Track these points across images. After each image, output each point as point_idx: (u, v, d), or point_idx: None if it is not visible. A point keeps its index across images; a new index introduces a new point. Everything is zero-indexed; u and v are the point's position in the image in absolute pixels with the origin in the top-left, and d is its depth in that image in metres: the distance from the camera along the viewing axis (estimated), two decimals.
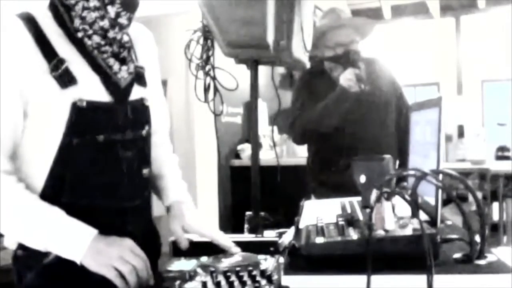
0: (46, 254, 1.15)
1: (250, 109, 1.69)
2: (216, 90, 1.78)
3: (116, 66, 1.22)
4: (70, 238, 1.11)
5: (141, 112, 1.28)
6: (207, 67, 1.76)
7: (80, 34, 1.18)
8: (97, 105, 1.17)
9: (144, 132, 1.29)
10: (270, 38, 1.54)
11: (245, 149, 4.58)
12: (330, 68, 2.51)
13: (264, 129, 4.48)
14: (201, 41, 1.77)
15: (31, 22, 1.14)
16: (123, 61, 1.24)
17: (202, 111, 2.11)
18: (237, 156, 4.68)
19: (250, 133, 1.68)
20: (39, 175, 1.15)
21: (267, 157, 4.11)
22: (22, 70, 1.12)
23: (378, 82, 2.49)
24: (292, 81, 5.38)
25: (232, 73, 1.76)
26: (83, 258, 1.10)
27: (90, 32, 1.18)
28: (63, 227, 1.12)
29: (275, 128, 4.45)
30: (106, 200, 1.20)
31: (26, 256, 1.17)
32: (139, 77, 1.29)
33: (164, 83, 4.94)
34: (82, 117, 1.15)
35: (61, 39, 1.17)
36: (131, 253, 1.11)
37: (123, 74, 1.23)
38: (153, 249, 1.33)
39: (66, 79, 1.14)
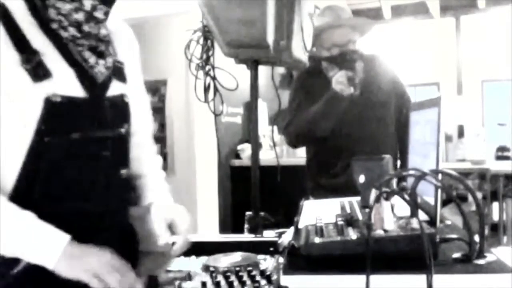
0: (16, 263, 1.07)
1: (250, 109, 1.69)
2: (216, 90, 1.78)
3: (92, 59, 1.15)
4: (42, 244, 1.05)
5: (120, 109, 1.21)
6: (207, 67, 1.76)
7: (54, 25, 1.11)
8: (72, 101, 1.11)
9: (123, 130, 1.22)
10: (270, 38, 1.54)
11: (245, 149, 4.58)
12: (326, 68, 2.44)
13: (264, 129, 4.49)
14: (201, 41, 1.77)
15: (1, 11, 1.07)
16: (100, 55, 1.17)
17: (202, 111, 2.11)
18: (237, 156, 4.68)
19: (250, 133, 1.68)
20: (9, 174, 1.07)
21: (267, 157, 4.11)
22: None
23: (377, 80, 2.42)
24: (292, 81, 5.38)
25: (232, 73, 1.76)
26: (56, 264, 1.03)
27: (66, 23, 1.11)
28: (34, 232, 1.05)
29: (275, 128, 4.44)
30: (80, 203, 1.13)
31: None
32: (118, 72, 1.22)
33: (164, 83, 4.94)
34: (56, 113, 1.08)
35: (35, 30, 1.10)
36: (110, 267, 1.05)
37: (100, 68, 1.17)
38: (131, 253, 1.23)
39: (39, 72, 1.07)
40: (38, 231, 1.05)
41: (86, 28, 1.13)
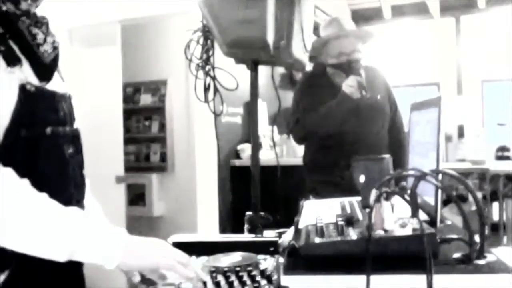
0: (0, 271, 1.00)
1: (250, 109, 1.69)
2: (216, 90, 1.78)
3: (40, 36, 1.04)
4: (103, 242, 0.97)
5: (71, 108, 1.15)
6: (207, 67, 1.76)
7: None
8: (43, 92, 1.03)
9: (77, 127, 1.16)
10: (270, 38, 1.54)
11: (245, 149, 4.58)
12: (332, 74, 2.65)
13: (264, 129, 4.49)
14: (201, 41, 1.77)
15: None
16: (44, 33, 1.07)
17: (202, 111, 2.11)
18: (237, 156, 4.68)
19: (250, 133, 1.68)
20: None
21: (267, 157, 4.11)
22: None
23: (375, 87, 2.65)
24: (292, 81, 5.38)
25: (232, 73, 1.76)
26: (122, 258, 0.98)
27: None
28: (91, 229, 0.97)
29: (275, 128, 4.45)
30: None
31: None
32: (57, 61, 1.12)
33: (164, 83, 4.95)
34: (31, 103, 0.99)
35: None
36: (170, 258, 1.02)
37: (47, 47, 1.06)
38: None
39: (11, 56, 0.98)
40: (95, 228, 0.98)
41: (23, 6, 1.04)
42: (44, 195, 0.96)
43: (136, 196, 4.95)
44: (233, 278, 1.04)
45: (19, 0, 1.02)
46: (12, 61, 0.98)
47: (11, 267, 1.01)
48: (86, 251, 0.96)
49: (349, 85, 2.48)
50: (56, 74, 1.13)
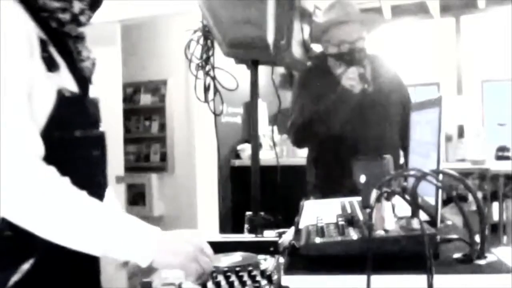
0: (15, 271, 1.04)
1: (250, 109, 1.69)
2: (216, 90, 1.78)
3: (85, 53, 1.14)
4: (136, 240, 1.01)
5: (98, 108, 1.22)
6: (207, 67, 1.76)
7: (45, 14, 1.07)
8: (76, 97, 1.09)
9: (103, 130, 1.22)
10: (270, 38, 1.54)
11: (245, 149, 4.58)
12: (333, 65, 2.39)
13: (264, 129, 4.49)
14: (201, 41, 1.77)
15: None
16: (87, 49, 1.16)
17: (202, 111, 2.11)
18: (237, 156, 4.68)
19: (250, 133, 1.67)
20: None
21: (267, 157, 4.11)
22: (25, 45, 1.01)
23: (380, 79, 2.38)
24: (292, 81, 5.38)
25: (232, 73, 1.76)
26: (156, 257, 1.01)
27: (54, 14, 1.08)
28: (126, 227, 1.01)
29: (275, 128, 4.45)
30: None
31: None
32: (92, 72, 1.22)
33: (164, 83, 4.95)
34: (66, 108, 1.05)
35: (28, 15, 1.04)
36: (206, 246, 1.06)
37: (88, 63, 1.16)
38: None
39: (52, 62, 1.05)
40: (131, 226, 1.02)
41: (66, 28, 1.11)
42: (84, 193, 1.01)
43: (136, 196, 4.96)
44: (233, 278, 1.04)
45: (65, 23, 1.10)
46: (53, 66, 1.05)
47: (35, 257, 1.05)
48: (119, 248, 1.00)
49: (349, 77, 2.19)
50: None
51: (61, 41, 1.10)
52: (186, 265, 1.03)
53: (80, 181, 1.04)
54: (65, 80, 1.08)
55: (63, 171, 1.02)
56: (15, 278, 1.03)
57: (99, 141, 1.20)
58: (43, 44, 1.04)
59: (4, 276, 1.04)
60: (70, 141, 1.08)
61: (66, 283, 1.13)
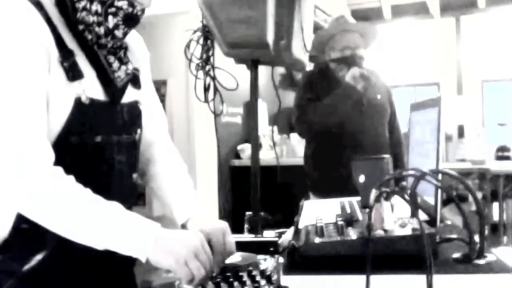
0: (27, 260, 1.09)
1: (250, 109, 1.68)
2: (216, 90, 1.78)
3: (116, 64, 1.20)
4: (135, 235, 1.03)
5: (134, 115, 1.26)
6: (207, 67, 1.76)
7: (81, 27, 1.13)
8: (97, 104, 1.14)
9: (136, 136, 1.27)
10: (270, 38, 1.54)
11: (245, 149, 4.57)
12: (335, 69, 2.66)
13: (264, 129, 4.49)
14: (201, 41, 1.77)
15: (39, 6, 1.08)
16: (120, 60, 1.21)
17: (202, 111, 2.11)
18: (237, 156, 4.68)
19: (250, 133, 1.67)
20: None
21: (267, 157, 4.11)
22: (44, 53, 1.06)
23: (376, 89, 2.69)
24: (292, 81, 5.38)
25: (232, 73, 1.76)
26: (150, 255, 1.03)
27: (91, 27, 1.14)
28: (126, 222, 1.05)
29: (275, 128, 4.45)
30: None
31: (6, 261, 1.11)
32: (134, 79, 1.26)
33: (164, 83, 4.94)
34: (84, 114, 1.10)
35: (64, 28, 1.12)
36: (202, 251, 1.06)
37: (121, 73, 1.21)
38: None
39: (74, 72, 1.10)
40: (131, 222, 1.05)
41: (102, 41, 1.17)
42: (88, 190, 1.05)
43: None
44: (233, 278, 1.04)
45: (101, 37, 1.15)
46: (73, 76, 1.10)
47: (48, 249, 1.10)
48: (118, 243, 1.04)
49: (352, 74, 2.50)
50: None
51: (93, 52, 1.16)
52: (174, 267, 1.03)
53: (95, 186, 1.07)
54: (90, 89, 1.13)
55: (78, 176, 1.06)
56: (27, 266, 1.09)
57: (126, 146, 1.22)
58: (69, 54, 1.10)
59: (18, 265, 1.09)
60: (89, 146, 1.12)
61: (79, 274, 1.16)
